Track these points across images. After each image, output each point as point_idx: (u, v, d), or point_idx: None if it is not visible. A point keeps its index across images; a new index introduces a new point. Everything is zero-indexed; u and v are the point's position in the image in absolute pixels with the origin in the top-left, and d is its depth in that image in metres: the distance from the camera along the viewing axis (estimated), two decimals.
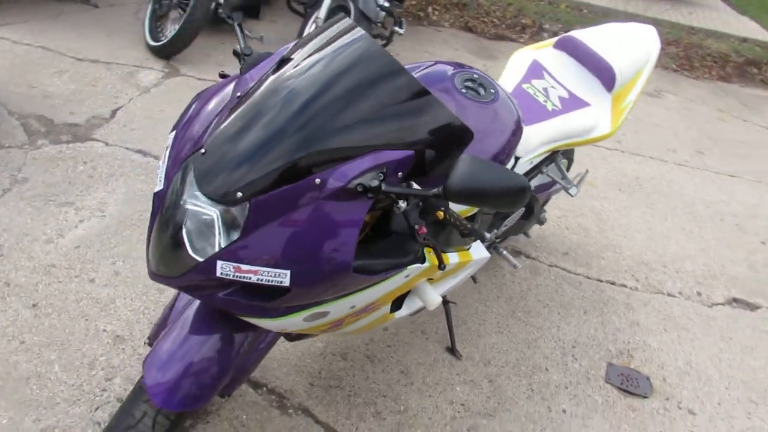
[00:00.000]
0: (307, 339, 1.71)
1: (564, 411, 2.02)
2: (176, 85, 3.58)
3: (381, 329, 2.15)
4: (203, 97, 1.32)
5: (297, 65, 1.22)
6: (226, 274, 1.13)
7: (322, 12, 3.93)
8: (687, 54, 6.02)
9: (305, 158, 1.12)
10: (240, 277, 1.13)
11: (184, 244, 1.15)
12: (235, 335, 1.36)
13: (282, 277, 1.13)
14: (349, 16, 3.85)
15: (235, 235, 1.13)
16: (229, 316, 1.35)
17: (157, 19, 4.00)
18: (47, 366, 1.81)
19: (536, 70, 2.05)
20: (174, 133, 1.28)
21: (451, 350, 2.14)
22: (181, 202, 1.16)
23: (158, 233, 1.19)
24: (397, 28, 4.13)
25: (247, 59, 1.34)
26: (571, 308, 2.47)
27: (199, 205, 1.15)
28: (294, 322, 1.27)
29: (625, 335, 2.38)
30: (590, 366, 2.22)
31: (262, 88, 1.21)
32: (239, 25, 1.41)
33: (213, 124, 1.21)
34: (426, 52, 4.98)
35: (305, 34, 3.80)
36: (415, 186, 1.14)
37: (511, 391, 2.06)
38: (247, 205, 1.11)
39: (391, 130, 1.17)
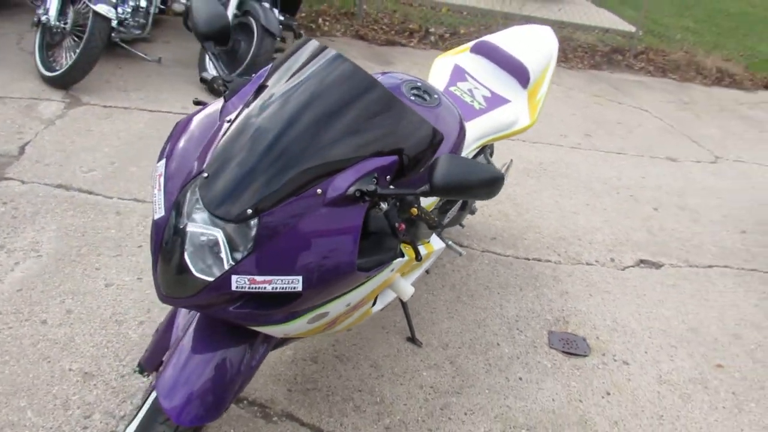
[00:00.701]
0: (280, 348, 1.78)
1: (520, 379, 2.23)
2: (81, 115, 3.46)
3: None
4: (185, 125, 1.37)
5: (282, 89, 1.30)
6: (241, 287, 1.21)
7: None
8: (561, 47, 6.57)
9: (305, 173, 1.21)
10: (255, 288, 1.21)
11: (192, 265, 1.21)
12: (237, 350, 1.41)
13: (295, 283, 1.22)
14: (252, 34, 3.92)
15: (242, 251, 1.20)
16: (230, 331, 1.41)
17: (49, 48, 3.82)
18: (19, 414, 1.75)
19: (459, 74, 2.24)
20: (163, 161, 1.32)
21: (412, 339, 2.28)
22: (185, 227, 1.21)
23: (165, 259, 1.24)
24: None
25: (229, 86, 1.40)
26: (508, 287, 2.69)
27: (202, 227, 1.21)
28: (299, 325, 1.35)
29: (558, 304, 2.64)
30: (534, 336, 2.44)
31: (253, 111, 1.28)
32: (214, 54, 1.47)
33: (208, 149, 1.27)
34: None
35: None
36: (395, 187, 1.28)
37: (471, 368, 2.23)
38: (256, 220, 1.19)
39: (376, 139, 1.29)
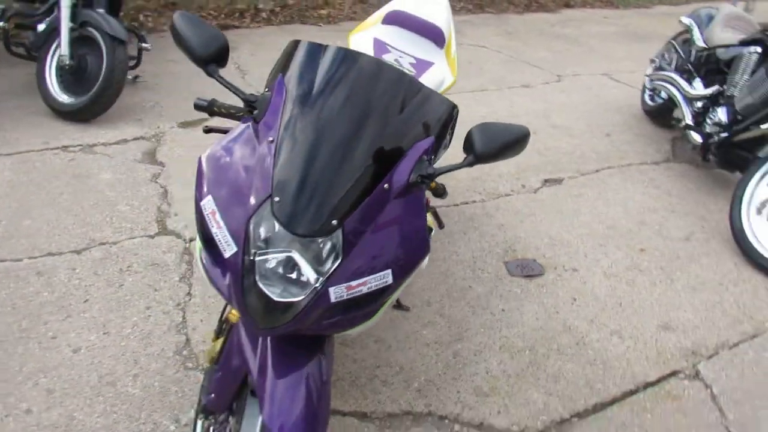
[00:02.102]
0: None
1: (503, 310, 2.44)
2: None
3: None
4: (218, 156, 1.31)
5: (319, 98, 1.29)
6: (340, 297, 1.22)
7: (64, 48, 3.56)
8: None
9: (370, 174, 1.24)
10: (352, 294, 1.23)
11: (284, 291, 1.20)
12: (314, 363, 1.41)
13: (386, 277, 1.26)
14: (97, 45, 3.58)
15: (328, 263, 1.21)
16: (301, 348, 1.40)
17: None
18: None
19: (381, 47, 2.31)
20: (209, 198, 1.26)
21: (399, 306, 2.38)
22: (266, 255, 1.19)
23: (254, 293, 1.20)
24: (144, 45, 3.97)
25: (257, 105, 1.34)
26: (453, 234, 2.88)
27: (283, 252, 1.19)
28: (377, 319, 1.40)
29: (500, 237, 2.89)
30: (495, 270, 2.67)
31: (300, 126, 1.26)
32: (221, 79, 1.39)
33: (263, 173, 1.23)
34: (169, 60, 4.80)
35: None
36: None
37: (459, 315, 2.40)
38: (341, 229, 1.21)
39: (415, 125, 1.34)
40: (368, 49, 2.29)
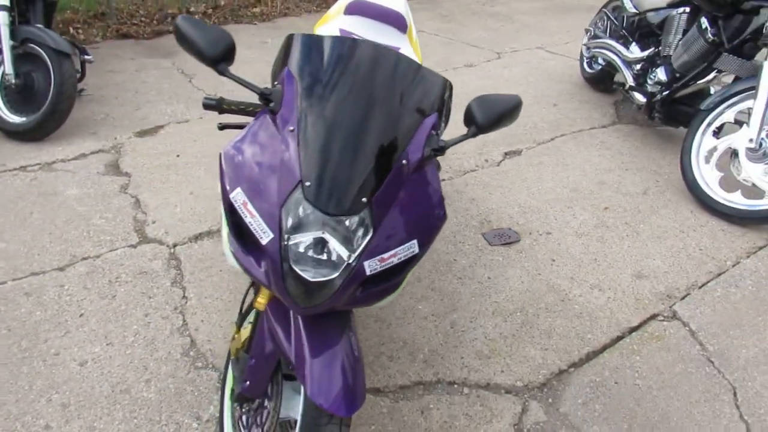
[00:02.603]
0: None
1: (489, 278, 2.57)
2: None
3: None
4: (238, 150, 1.35)
5: (332, 84, 1.35)
6: (374, 269, 1.31)
7: (8, 67, 3.45)
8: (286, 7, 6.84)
9: (390, 153, 1.32)
10: (385, 266, 1.32)
11: (322, 269, 1.27)
12: (346, 338, 1.48)
13: (413, 247, 1.35)
14: (41, 62, 3.49)
15: (359, 239, 1.29)
16: (331, 325, 1.47)
17: None
18: None
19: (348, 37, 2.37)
20: (238, 189, 1.31)
21: None
22: (295, 240, 1.26)
23: (292, 276, 1.26)
24: (87, 57, 3.89)
25: (272, 98, 1.38)
26: None
27: (314, 233, 1.26)
28: (402, 288, 1.49)
29: (474, 210, 3.02)
30: (475, 242, 2.79)
31: (319, 113, 1.32)
32: (234, 76, 1.42)
33: (289, 161, 1.29)
34: (110, 71, 4.69)
35: None
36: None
37: (449, 287, 2.51)
38: (369, 205, 1.28)
39: (420, 103, 1.43)
40: None
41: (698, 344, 2.24)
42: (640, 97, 3.55)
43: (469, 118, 1.46)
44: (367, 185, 1.28)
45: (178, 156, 3.45)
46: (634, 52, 3.71)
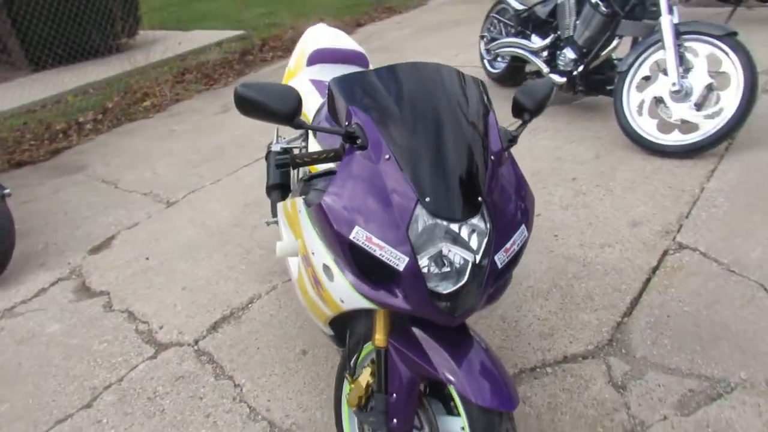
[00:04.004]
0: None
1: None
2: None
3: None
4: (336, 194, 1.35)
5: (403, 110, 1.40)
6: (503, 261, 1.37)
7: None
8: (198, 75, 6.83)
9: (480, 153, 1.40)
10: (509, 255, 1.39)
11: (467, 278, 1.32)
12: (480, 340, 1.52)
13: (524, 232, 1.43)
14: None
15: (482, 236, 1.35)
16: (463, 336, 1.50)
17: None
18: None
19: (321, 86, 2.42)
20: (356, 228, 1.31)
21: None
22: (439, 253, 1.30)
23: (437, 293, 1.30)
24: (5, 191, 3.66)
25: (356, 134, 1.39)
26: None
27: (449, 244, 1.31)
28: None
29: None
30: None
31: (408, 136, 1.36)
32: (311, 125, 1.42)
33: (398, 185, 1.32)
34: (23, 202, 4.41)
35: None
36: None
37: None
38: (483, 204, 1.35)
39: (476, 104, 1.51)
40: (311, 92, 2.39)
41: (714, 262, 2.48)
42: (559, 78, 3.88)
43: (519, 108, 1.57)
44: (475, 186, 1.35)
45: (147, 259, 3.30)
46: (537, 42, 4.06)
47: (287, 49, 7.55)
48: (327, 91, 1.59)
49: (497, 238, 1.36)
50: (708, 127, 3.15)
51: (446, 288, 1.32)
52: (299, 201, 1.60)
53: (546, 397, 2.01)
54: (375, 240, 1.31)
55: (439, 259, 1.33)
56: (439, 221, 1.30)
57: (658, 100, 3.33)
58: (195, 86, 6.60)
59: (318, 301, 1.61)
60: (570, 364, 2.12)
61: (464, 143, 1.39)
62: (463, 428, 1.47)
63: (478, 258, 1.33)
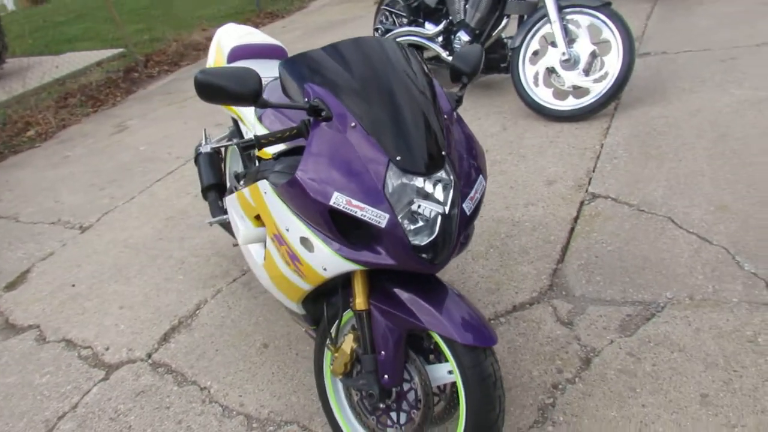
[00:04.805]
0: None
1: None
2: None
3: None
4: (309, 166, 1.41)
5: (358, 79, 1.48)
6: (470, 208, 1.51)
7: None
8: (83, 96, 6.50)
9: (435, 114, 1.51)
10: (474, 204, 1.52)
11: (444, 228, 1.43)
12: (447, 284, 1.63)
13: (482, 181, 1.57)
14: None
15: (446, 188, 1.46)
16: (431, 280, 1.62)
17: None
18: None
19: None
20: (335, 194, 1.38)
21: None
22: (415, 208, 1.40)
23: (421, 244, 1.41)
24: None
25: (319, 108, 1.45)
26: None
27: (423, 199, 1.42)
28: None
29: None
30: None
31: (370, 105, 1.44)
32: (275, 102, 1.45)
33: (369, 148, 1.40)
34: None
35: None
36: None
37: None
38: (447, 157, 1.47)
39: (419, 69, 1.61)
40: None
41: (625, 205, 2.76)
42: None
43: (457, 72, 1.71)
44: (436, 142, 1.46)
45: (73, 286, 3.15)
46: (431, 29, 4.26)
47: (174, 63, 7.36)
48: (279, 76, 1.64)
49: (462, 189, 1.49)
50: (598, 89, 3.48)
51: (422, 240, 1.42)
52: (263, 184, 1.64)
53: (505, 343, 2.17)
54: (354, 202, 1.39)
55: (411, 215, 1.43)
56: (409, 177, 1.40)
57: (550, 71, 3.62)
58: (81, 110, 6.27)
59: (293, 277, 1.65)
60: (520, 312, 2.30)
61: (418, 106, 1.49)
62: (450, 371, 1.58)
63: (446, 209, 1.45)
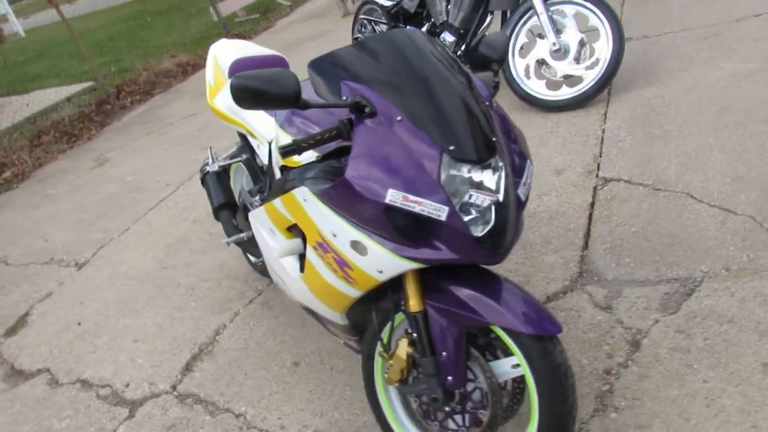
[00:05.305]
0: None
1: None
2: None
3: None
4: (358, 166, 1.35)
5: (397, 72, 1.43)
6: (525, 194, 1.47)
7: None
8: (59, 132, 6.33)
9: (474, 99, 1.46)
10: (526, 189, 1.49)
11: (507, 216, 1.38)
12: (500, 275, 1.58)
13: (530, 166, 1.54)
14: None
15: (497, 174, 1.41)
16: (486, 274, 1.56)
17: None
18: None
19: None
20: (389, 191, 1.32)
21: None
22: (465, 200, 1.35)
23: (496, 232, 1.35)
24: None
25: (362, 104, 1.39)
26: None
27: (480, 189, 1.37)
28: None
29: None
30: None
31: (410, 95, 1.38)
32: (313, 102, 1.39)
33: (419, 140, 1.35)
34: None
35: None
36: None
37: None
38: (498, 144, 1.42)
39: (453, 58, 1.58)
40: None
41: (639, 185, 2.75)
42: None
43: (486, 60, 1.67)
44: (484, 129, 1.41)
45: (79, 324, 3.02)
46: None
47: (146, 92, 7.23)
48: (310, 75, 1.57)
49: (514, 174, 1.44)
50: (591, 76, 3.48)
51: (479, 231, 1.37)
52: (300, 192, 1.57)
53: None
54: (411, 197, 1.33)
55: (466, 206, 1.37)
56: (462, 167, 1.35)
57: (541, 62, 3.62)
58: (56, 146, 6.11)
59: (341, 285, 1.58)
60: (555, 302, 2.26)
61: (460, 94, 1.44)
62: (515, 365, 1.52)
63: (500, 197, 1.40)
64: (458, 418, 1.62)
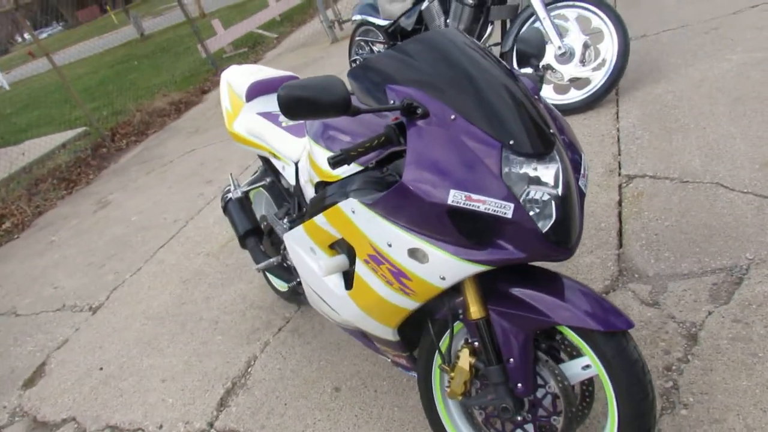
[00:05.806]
0: None
1: None
2: None
3: None
4: (414, 169, 1.30)
5: (442, 70, 1.39)
6: (584, 185, 1.42)
7: None
8: (57, 178, 6.25)
9: (525, 93, 1.41)
10: (585, 180, 1.43)
11: (571, 210, 1.32)
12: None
13: (584, 159, 1.48)
14: None
15: (555, 165, 1.36)
16: (543, 272, 1.50)
17: None
18: None
19: (270, 116, 2.32)
20: (451, 192, 1.27)
21: None
22: (530, 194, 1.30)
23: (551, 228, 1.29)
24: None
25: (414, 105, 1.34)
26: None
27: (532, 180, 1.32)
28: None
29: None
30: None
31: (459, 92, 1.34)
32: (363, 108, 1.34)
33: (476, 138, 1.30)
34: None
35: None
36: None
37: None
38: (555, 137, 1.37)
39: (494, 56, 1.55)
40: (262, 125, 2.28)
41: (666, 179, 2.71)
42: None
43: (526, 56, 1.63)
44: (540, 122, 1.37)
45: (101, 369, 2.92)
46: None
47: (141, 132, 7.19)
48: (351, 83, 1.53)
49: (571, 165, 1.39)
50: (598, 77, 3.47)
51: (543, 227, 1.31)
52: (348, 204, 1.51)
53: None
54: (475, 196, 1.28)
55: (526, 202, 1.32)
56: (521, 162, 1.30)
57: (546, 68, 3.61)
58: (55, 193, 6.03)
59: (396, 297, 1.51)
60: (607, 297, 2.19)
61: (508, 88, 1.40)
62: (585, 366, 1.45)
63: (560, 191, 1.34)
64: (529, 427, 1.54)
